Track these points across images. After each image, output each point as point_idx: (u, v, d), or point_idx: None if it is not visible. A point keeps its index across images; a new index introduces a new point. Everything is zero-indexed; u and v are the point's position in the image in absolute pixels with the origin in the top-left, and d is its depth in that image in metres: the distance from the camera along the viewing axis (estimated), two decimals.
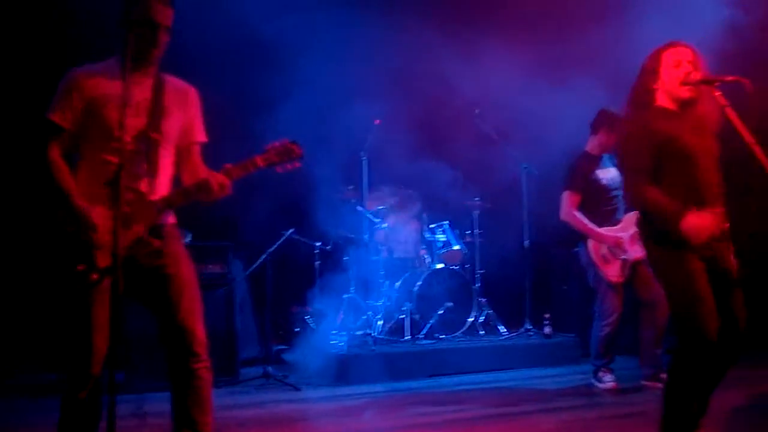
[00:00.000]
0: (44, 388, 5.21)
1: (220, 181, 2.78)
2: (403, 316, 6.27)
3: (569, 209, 5.07)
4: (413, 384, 5.43)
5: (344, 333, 5.94)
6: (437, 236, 6.85)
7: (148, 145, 2.78)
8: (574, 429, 4.04)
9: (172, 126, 2.87)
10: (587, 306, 5.19)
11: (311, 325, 6.44)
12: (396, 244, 6.89)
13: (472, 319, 6.50)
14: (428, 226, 6.94)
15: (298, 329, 6.55)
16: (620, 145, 3.30)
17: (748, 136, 2.91)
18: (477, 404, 4.74)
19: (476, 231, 6.98)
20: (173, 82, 2.94)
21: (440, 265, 6.60)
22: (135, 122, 2.76)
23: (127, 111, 2.63)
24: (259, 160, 2.88)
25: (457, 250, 6.85)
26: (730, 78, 3.02)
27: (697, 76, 3.10)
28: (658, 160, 3.08)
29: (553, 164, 5.77)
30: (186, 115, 2.94)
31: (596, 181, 5.06)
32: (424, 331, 6.26)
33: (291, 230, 5.84)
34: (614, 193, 5.04)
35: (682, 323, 3.04)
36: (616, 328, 4.99)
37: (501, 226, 7.01)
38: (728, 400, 3.48)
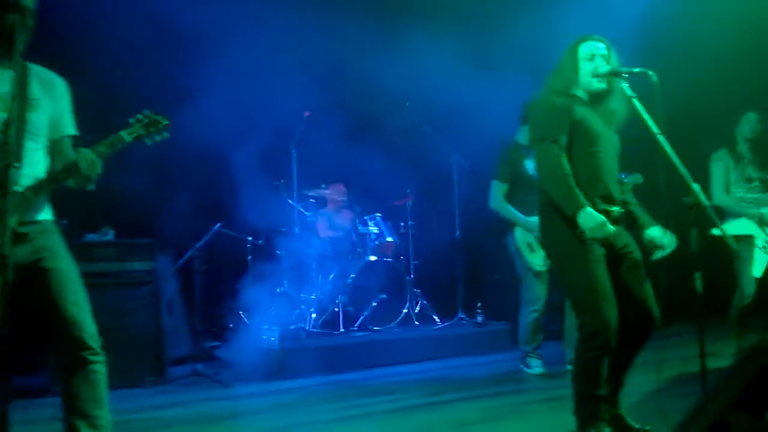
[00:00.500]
0: None
1: (85, 157, 2.67)
2: (337, 309, 6.26)
3: (497, 198, 5.14)
4: (348, 376, 5.42)
5: (276, 328, 5.87)
6: (370, 228, 6.85)
7: (15, 138, 2.61)
8: (501, 414, 4.10)
9: (39, 118, 2.75)
10: (518, 294, 5.27)
11: (245, 320, 6.35)
12: (328, 237, 6.87)
13: (407, 310, 6.53)
14: (361, 218, 6.93)
15: (231, 325, 6.46)
16: (537, 117, 3.32)
17: (653, 127, 3.02)
18: (410, 394, 4.76)
19: (409, 222, 7.02)
20: (39, 72, 2.81)
21: (374, 257, 6.60)
22: None
23: None
24: (125, 135, 2.80)
25: (390, 242, 6.88)
26: (637, 70, 3.14)
27: (606, 68, 3.20)
28: (570, 139, 3.14)
29: (483, 155, 5.84)
30: (56, 107, 2.82)
31: (524, 171, 5.13)
32: (358, 323, 6.26)
33: (218, 225, 5.73)
34: None
35: (580, 312, 3.12)
36: (542, 315, 5.09)
37: (433, 218, 7.06)
38: (637, 385, 3.57)
